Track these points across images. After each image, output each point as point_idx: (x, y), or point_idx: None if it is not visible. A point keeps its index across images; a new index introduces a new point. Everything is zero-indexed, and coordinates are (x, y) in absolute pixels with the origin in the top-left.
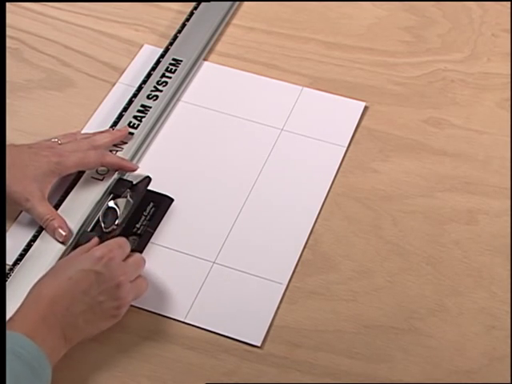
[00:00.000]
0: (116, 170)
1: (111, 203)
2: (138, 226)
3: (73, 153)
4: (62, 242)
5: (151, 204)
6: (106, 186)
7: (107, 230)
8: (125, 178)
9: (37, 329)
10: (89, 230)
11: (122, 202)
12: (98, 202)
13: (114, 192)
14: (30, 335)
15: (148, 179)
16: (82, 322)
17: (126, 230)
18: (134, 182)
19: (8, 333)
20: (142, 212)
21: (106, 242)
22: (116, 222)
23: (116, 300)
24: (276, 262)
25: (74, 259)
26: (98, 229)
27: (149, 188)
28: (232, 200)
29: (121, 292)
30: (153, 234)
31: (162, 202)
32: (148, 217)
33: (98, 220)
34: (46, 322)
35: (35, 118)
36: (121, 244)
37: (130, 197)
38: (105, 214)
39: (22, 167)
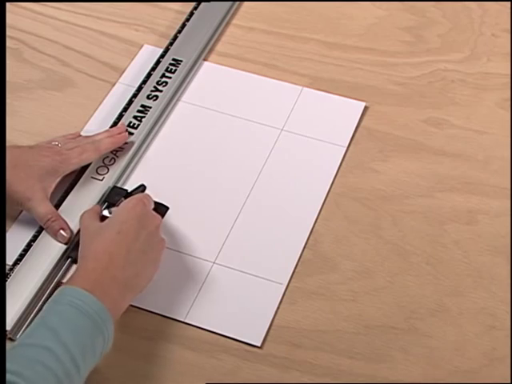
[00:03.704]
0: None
1: (105, 212)
2: None
3: (72, 149)
4: (63, 243)
5: None
6: (106, 186)
7: None
8: (120, 186)
9: (97, 284)
10: None
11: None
12: (98, 202)
13: (109, 201)
14: (90, 291)
15: (143, 187)
16: (141, 268)
17: None
18: (129, 191)
19: (68, 288)
20: None
21: (132, 196)
22: None
23: (159, 241)
24: (276, 262)
25: (112, 217)
26: None
27: None
28: (232, 200)
29: (159, 233)
30: None
31: (157, 211)
32: None
33: None
34: (106, 278)
35: (35, 118)
36: (145, 195)
37: None
38: None
39: (25, 167)
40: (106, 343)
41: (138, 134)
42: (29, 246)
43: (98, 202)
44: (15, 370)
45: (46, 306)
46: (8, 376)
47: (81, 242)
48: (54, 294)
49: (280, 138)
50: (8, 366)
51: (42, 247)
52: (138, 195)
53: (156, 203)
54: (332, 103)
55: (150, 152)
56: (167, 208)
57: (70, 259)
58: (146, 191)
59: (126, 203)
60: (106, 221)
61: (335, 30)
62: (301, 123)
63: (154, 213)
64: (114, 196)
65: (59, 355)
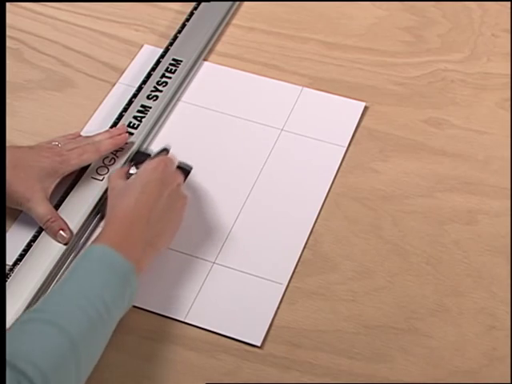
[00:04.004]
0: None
1: (133, 170)
2: None
3: (72, 150)
4: (63, 243)
5: None
6: (106, 186)
7: None
8: (143, 150)
9: (122, 242)
10: None
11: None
12: (98, 202)
13: (135, 160)
14: (116, 248)
15: (166, 151)
16: (164, 226)
17: None
18: (152, 155)
19: (96, 245)
20: None
21: (155, 158)
22: None
23: (181, 198)
24: (276, 262)
25: (135, 178)
26: None
27: None
28: (232, 200)
29: (181, 190)
30: None
31: (182, 172)
32: None
33: None
34: (130, 236)
35: (35, 118)
36: (167, 156)
37: None
38: None
39: (25, 168)
40: (132, 297)
41: (138, 134)
42: (29, 246)
43: (98, 202)
44: (49, 310)
45: (74, 262)
46: (44, 315)
47: (108, 201)
48: (82, 251)
49: (280, 138)
50: (43, 306)
51: (41, 247)
52: (161, 156)
53: (179, 164)
54: (332, 103)
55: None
56: (191, 168)
57: (99, 214)
58: None
59: (148, 164)
60: (130, 181)
61: (335, 30)
62: (301, 123)
63: (176, 171)
64: (139, 157)
65: (91, 300)
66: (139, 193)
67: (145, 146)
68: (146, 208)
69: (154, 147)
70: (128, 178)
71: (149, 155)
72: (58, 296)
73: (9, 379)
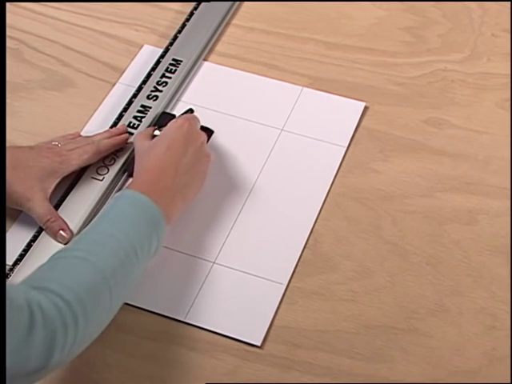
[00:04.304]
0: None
1: (157, 132)
2: None
3: (72, 150)
4: (63, 243)
5: None
6: (106, 186)
7: None
8: (168, 112)
9: (150, 192)
10: None
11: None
12: (98, 201)
13: (159, 124)
14: (146, 195)
15: (191, 111)
16: (189, 180)
17: None
18: (177, 115)
19: (127, 191)
20: None
21: (181, 117)
22: None
23: (205, 156)
24: (276, 261)
25: (161, 136)
26: None
27: None
28: (232, 200)
29: (205, 148)
30: None
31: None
32: None
33: None
34: (158, 187)
35: (35, 118)
36: (192, 115)
37: None
38: None
39: (25, 168)
40: (159, 243)
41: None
42: (29, 246)
43: (98, 202)
44: (73, 247)
45: (105, 206)
46: (76, 253)
47: (135, 160)
48: (113, 196)
49: (280, 138)
50: (74, 245)
51: (41, 247)
52: (186, 115)
53: (202, 126)
54: (332, 103)
55: None
56: (212, 131)
57: (126, 173)
58: None
59: (173, 122)
60: (156, 139)
61: (335, 30)
62: (301, 123)
63: (200, 130)
64: (164, 120)
65: (120, 240)
66: (165, 149)
67: None
68: (172, 162)
69: None
70: (153, 138)
71: (173, 116)
72: (88, 237)
73: (44, 302)
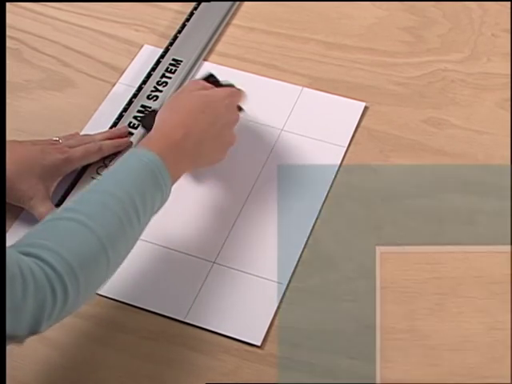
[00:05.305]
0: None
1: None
2: None
3: (74, 148)
4: None
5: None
6: None
7: None
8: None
9: (164, 152)
10: None
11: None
12: None
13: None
14: (158, 152)
15: (212, 76)
16: (208, 150)
17: None
18: (224, 83)
19: (136, 149)
20: None
21: (230, 87)
22: None
23: (232, 135)
24: (276, 262)
25: (205, 95)
26: None
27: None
28: (232, 200)
29: (233, 128)
30: None
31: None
32: None
33: None
34: (176, 147)
35: (35, 118)
36: (239, 92)
37: None
38: None
39: (28, 165)
40: (163, 201)
41: (138, 135)
42: None
43: None
44: (73, 208)
45: (115, 163)
46: (75, 215)
47: (170, 99)
48: (126, 153)
49: (280, 138)
50: (74, 206)
51: None
52: (233, 90)
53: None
54: (332, 103)
55: None
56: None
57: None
58: None
59: (224, 90)
60: (197, 95)
61: (335, 30)
62: (301, 123)
63: (237, 110)
64: (209, 78)
65: (122, 199)
66: (200, 111)
67: None
68: (199, 127)
69: None
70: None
71: (217, 81)
72: (90, 197)
73: (37, 271)
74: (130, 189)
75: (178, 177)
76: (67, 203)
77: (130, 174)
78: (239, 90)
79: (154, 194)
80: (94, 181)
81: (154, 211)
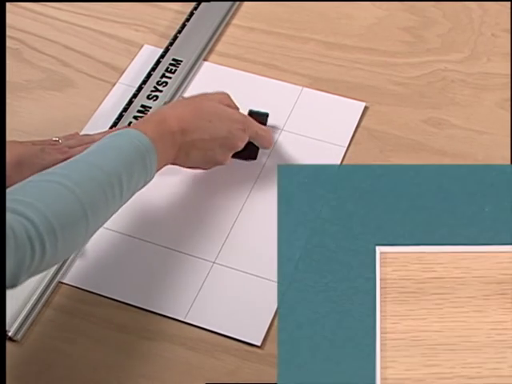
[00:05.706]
0: None
1: None
2: None
3: (74, 148)
4: None
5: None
6: None
7: None
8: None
9: (157, 137)
10: None
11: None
12: None
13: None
14: (152, 139)
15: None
16: (208, 156)
17: None
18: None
19: (131, 130)
20: None
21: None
22: None
23: (240, 140)
24: (276, 262)
25: (222, 108)
26: None
27: None
28: (232, 200)
29: (238, 136)
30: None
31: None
32: None
33: None
34: (166, 139)
35: (35, 118)
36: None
37: None
38: None
39: (29, 165)
40: (146, 183)
41: None
42: None
43: None
44: (63, 173)
45: (107, 137)
46: (58, 178)
47: (192, 96)
48: (120, 129)
49: (280, 138)
50: (57, 170)
51: None
52: (259, 126)
53: (256, 112)
54: (332, 103)
55: None
56: (267, 114)
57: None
58: None
59: (242, 115)
60: (215, 106)
61: (335, 30)
62: (301, 123)
63: (242, 115)
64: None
65: (109, 174)
66: (208, 121)
67: None
68: (206, 134)
69: None
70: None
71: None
72: (80, 164)
73: (18, 228)
74: (118, 166)
75: (163, 165)
76: (58, 168)
77: (121, 152)
78: (265, 129)
79: (139, 175)
80: (86, 150)
81: (137, 190)
